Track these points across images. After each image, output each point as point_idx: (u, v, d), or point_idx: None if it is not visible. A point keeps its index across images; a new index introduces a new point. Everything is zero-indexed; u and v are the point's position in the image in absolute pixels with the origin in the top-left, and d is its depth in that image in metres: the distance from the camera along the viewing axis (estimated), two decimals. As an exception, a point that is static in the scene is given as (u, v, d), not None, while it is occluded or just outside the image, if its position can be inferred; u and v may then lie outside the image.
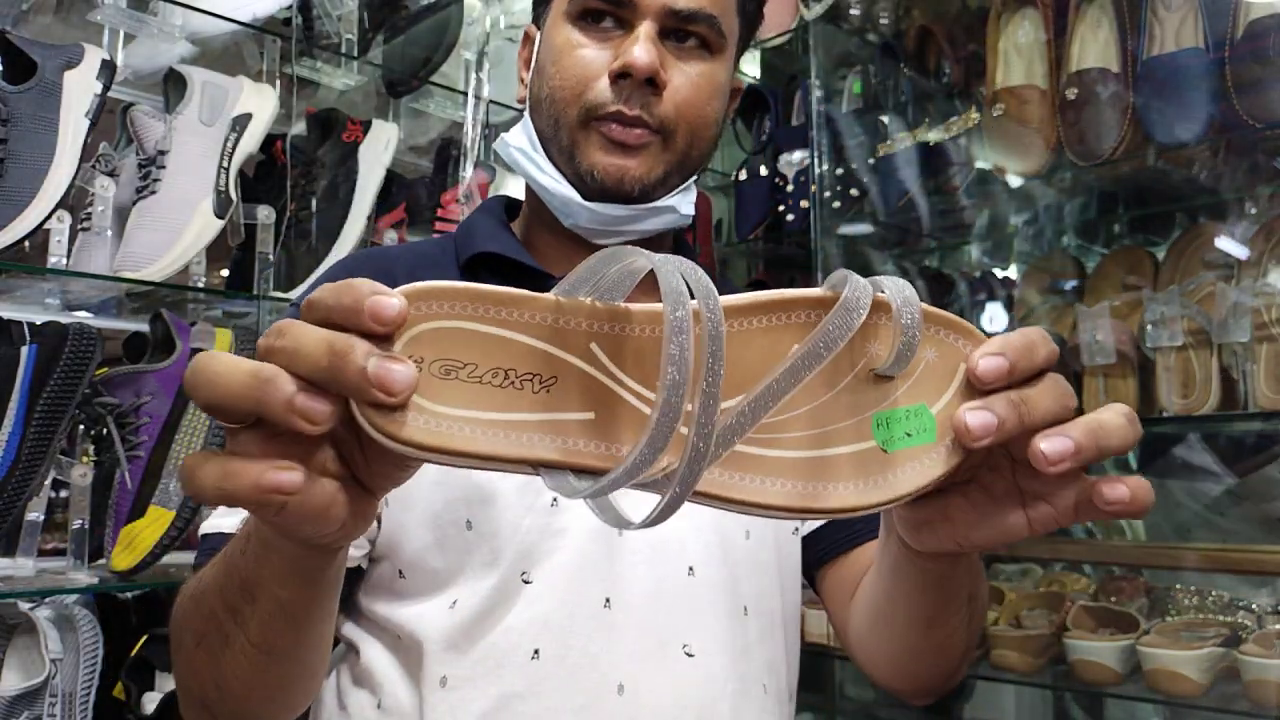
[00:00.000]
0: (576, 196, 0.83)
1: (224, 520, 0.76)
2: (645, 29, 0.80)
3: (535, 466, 0.41)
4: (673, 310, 0.38)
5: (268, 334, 0.41)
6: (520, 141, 0.87)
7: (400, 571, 0.78)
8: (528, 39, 0.92)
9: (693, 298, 0.39)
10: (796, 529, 0.90)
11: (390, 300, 0.38)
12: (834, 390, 0.45)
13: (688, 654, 0.78)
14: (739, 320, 0.44)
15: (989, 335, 0.48)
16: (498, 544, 0.76)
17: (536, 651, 0.75)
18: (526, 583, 0.76)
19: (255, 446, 0.40)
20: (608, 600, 0.77)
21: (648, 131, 0.81)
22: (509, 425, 0.40)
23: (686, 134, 0.83)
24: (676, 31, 0.82)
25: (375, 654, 0.78)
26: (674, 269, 0.39)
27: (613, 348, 0.43)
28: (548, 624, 0.75)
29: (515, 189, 1.70)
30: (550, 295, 0.43)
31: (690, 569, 0.80)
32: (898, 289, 0.45)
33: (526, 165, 0.86)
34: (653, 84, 0.80)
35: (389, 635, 0.78)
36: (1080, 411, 0.47)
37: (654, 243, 0.88)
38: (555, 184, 0.84)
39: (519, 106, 0.95)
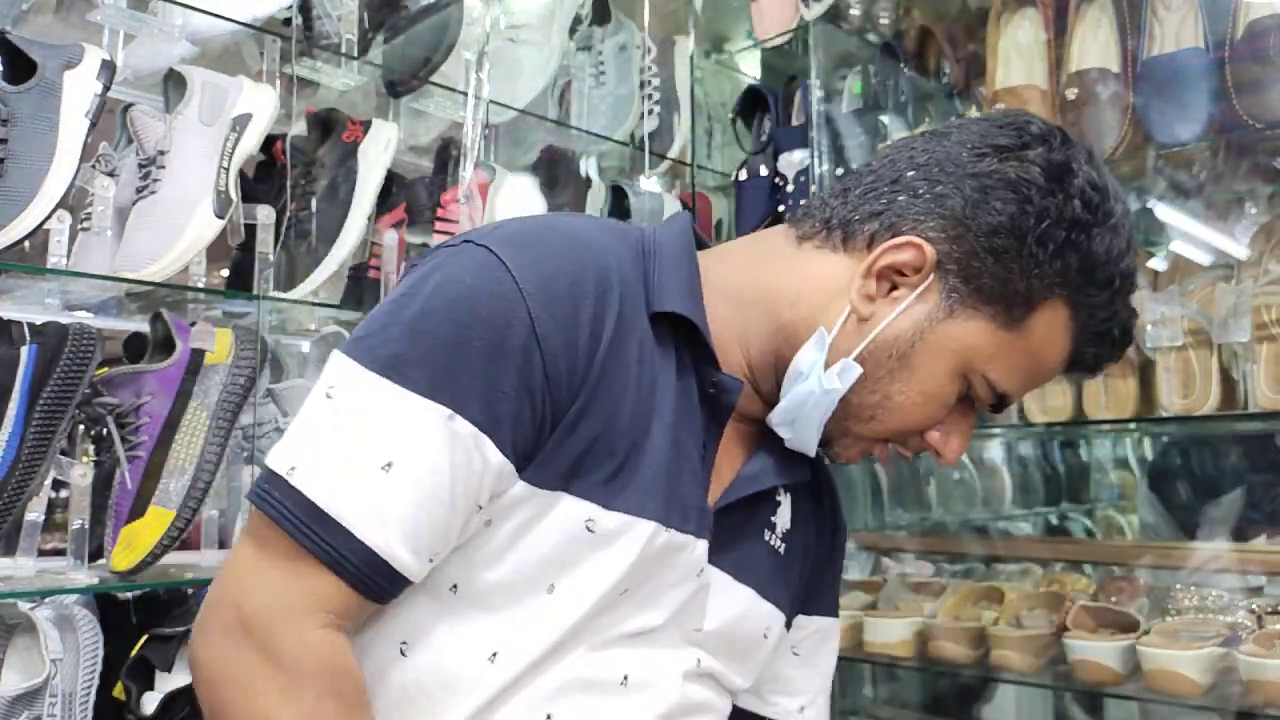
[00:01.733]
0: (814, 451, 0.85)
1: (374, 529, 0.68)
2: (974, 417, 0.84)
3: None
4: None
5: None
6: (837, 387, 0.80)
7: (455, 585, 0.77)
8: (914, 253, 0.79)
9: None
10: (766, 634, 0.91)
11: None
12: None
13: None
14: None
15: None
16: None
17: (549, 716, 0.76)
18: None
19: None
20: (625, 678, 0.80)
21: None
22: None
23: None
24: None
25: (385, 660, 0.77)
26: None
27: None
28: (561, 692, 0.77)
29: (515, 188, 1.70)
30: None
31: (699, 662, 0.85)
32: None
33: (820, 409, 0.81)
34: None
35: (406, 645, 0.77)
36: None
37: None
38: (815, 438, 0.84)
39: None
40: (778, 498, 0.90)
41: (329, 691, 0.68)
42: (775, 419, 0.84)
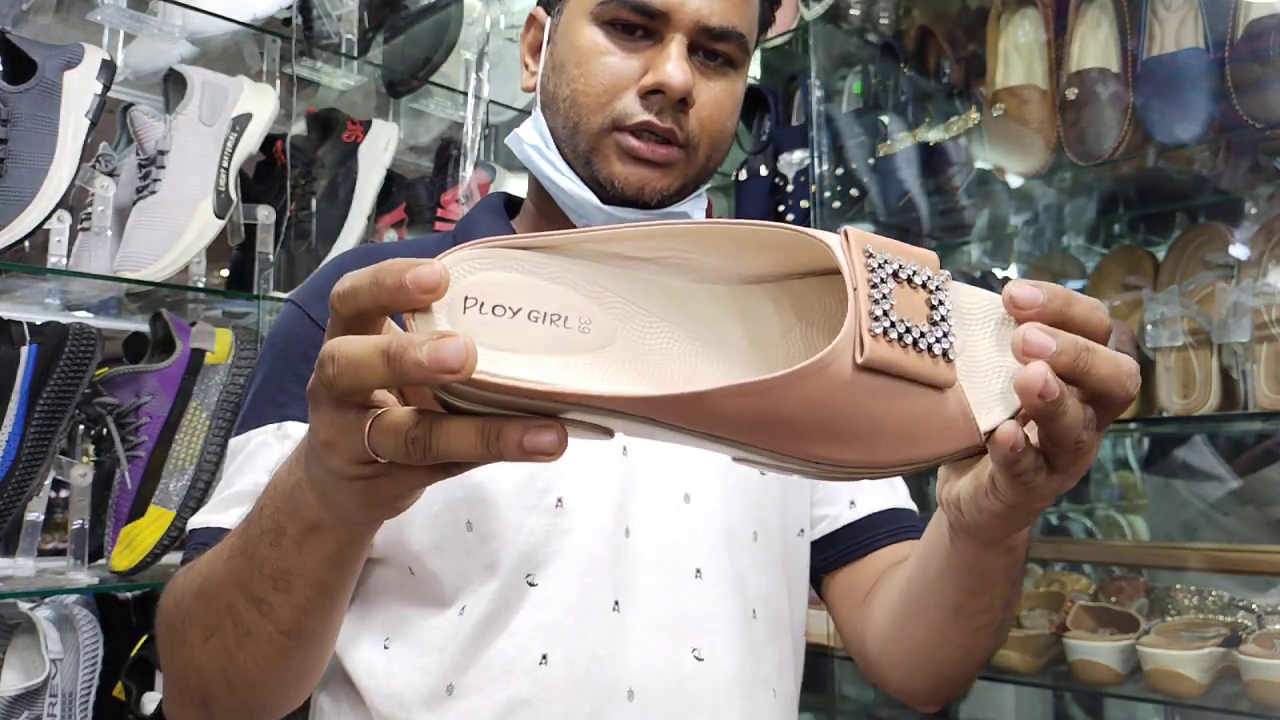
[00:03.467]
0: (594, 200, 0.82)
1: (217, 516, 0.77)
2: (677, 46, 0.79)
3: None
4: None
5: (321, 364, 0.42)
6: (533, 139, 0.85)
7: (411, 569, 0.77)
8: (534, 23, 0.89)
9: None
10: (803, 531, 0.90)
11: (431, 266, 0.39)
12: None
13: (697, 658, 0.77)
14: None
15: None
16: (497, 546, 0.76)
17: (544, 657, 0.74)
18: (531, 585, 0.75)
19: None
20: (616, 604, 0.76)
21: (675, 149, 0.81)
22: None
23: (708, 148, 0.84)
24: (704, 48, 0.82)
25: (370, 659, 0.78)
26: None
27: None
28: (555, 629, 0.75)
29: (515, 188, 1.70)
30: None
31: (698, 571, 0.79)
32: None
33: (541, 164, 0.84)
34: (682, 101, 0.80)
35: (389, 640, 0.78)
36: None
37: None
38: (573, 185, 0.83)
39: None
40: None
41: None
42: (573, 221, 0.85)
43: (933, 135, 1.66)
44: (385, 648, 0.77)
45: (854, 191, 1.71)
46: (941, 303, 0.44)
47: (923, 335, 0.43)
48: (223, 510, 0.77)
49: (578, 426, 0.41)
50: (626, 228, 0.44)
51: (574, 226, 0.84)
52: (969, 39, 1.71)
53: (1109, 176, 1.57)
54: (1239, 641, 1.28)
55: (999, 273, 1.85)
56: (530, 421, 0.40)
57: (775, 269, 0.47)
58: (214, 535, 0.74)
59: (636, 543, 0.78)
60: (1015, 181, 1.66)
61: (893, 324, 0.42)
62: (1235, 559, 1.48)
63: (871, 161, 1.71)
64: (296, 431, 0.77)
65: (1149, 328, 1.40)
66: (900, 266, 0.44)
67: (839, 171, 1.73)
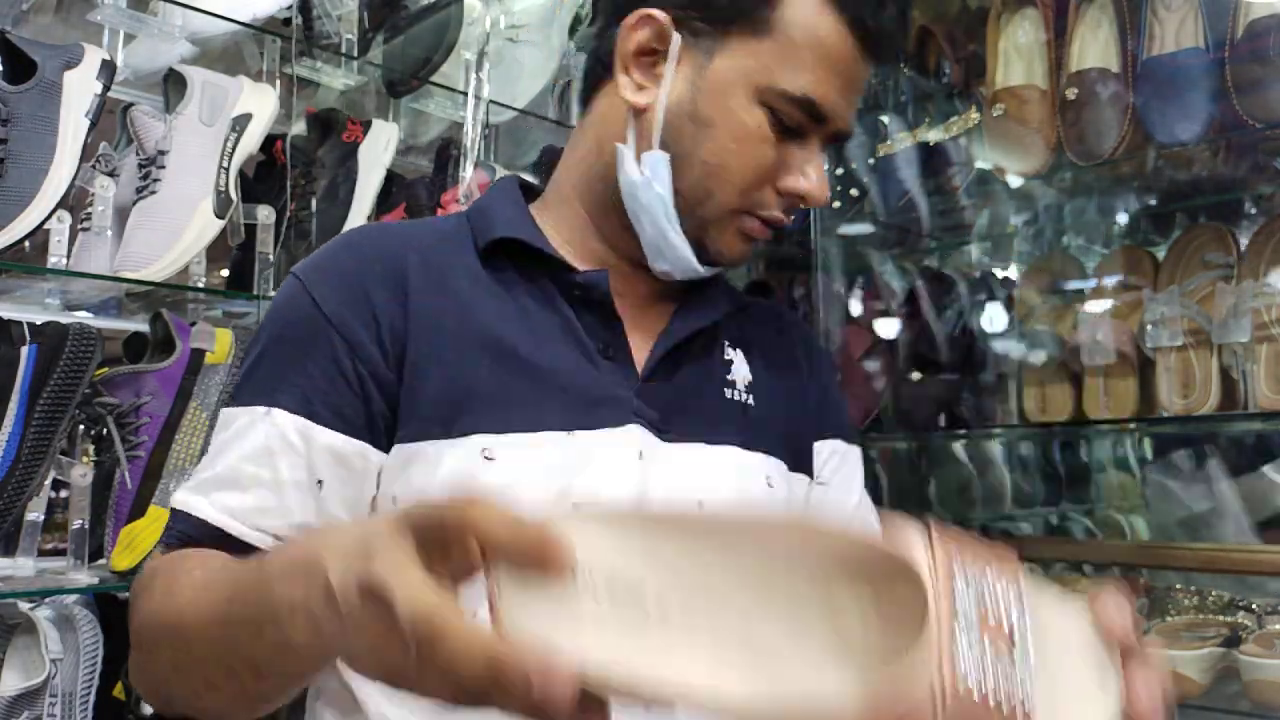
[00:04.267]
0: (693, 259, 0.83)
1: (197, 499, 0.76)
2: (818, 151, 0.82)
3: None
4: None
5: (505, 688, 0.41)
6: (662, 186, 0.81)
7: None
8: (651, 24, 0.81)
9: None
10: None
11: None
12: None
13: None
14: None
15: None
16: None
17: None
18: None
19: None
20: None
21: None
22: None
23: None
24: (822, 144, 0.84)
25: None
26: None
27: None
28: None
29: (515, 189, 1.70)
30: None
31: None
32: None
33: (659, 214, 0.82)
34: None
35: None
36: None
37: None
38: (679, 241, 0.83)
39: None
40: (726, 355, 0.90)
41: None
42: (651, 259, 0.85)
43: (933, 135, 1.66)
44: None
45: (854, 191, 1.71)
46: (1024, 636, 0.44)
47: (1004, 696, 0.42)
48: (205, 493, 0.76)
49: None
50: (731, 519, 0.46)
51: (630, 240, 0.85)
52: (969, 39, 1.71)
53: (1109, 176, 1.57)
54: (1239, 641, 1.28)
55: (999, 273, 1.85)
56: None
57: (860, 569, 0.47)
58: (194, 526, 0.75)
59: None
60: (1015, 181, 1.66)
61: (975, 681, 0.41)
62: (1234, 559, 1.48)
63: (871, 161, 1.71)
64: (282, 420, 0.76)
65: (1149, 328, 1.40)
66: (986, 596, 0.43)
67: (839, 171, 1.73)
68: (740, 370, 0.90)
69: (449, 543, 0.44)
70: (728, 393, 0.88)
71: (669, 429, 0.82)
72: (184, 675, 0.62)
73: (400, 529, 0.45)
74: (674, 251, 0.83)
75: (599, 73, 0.87)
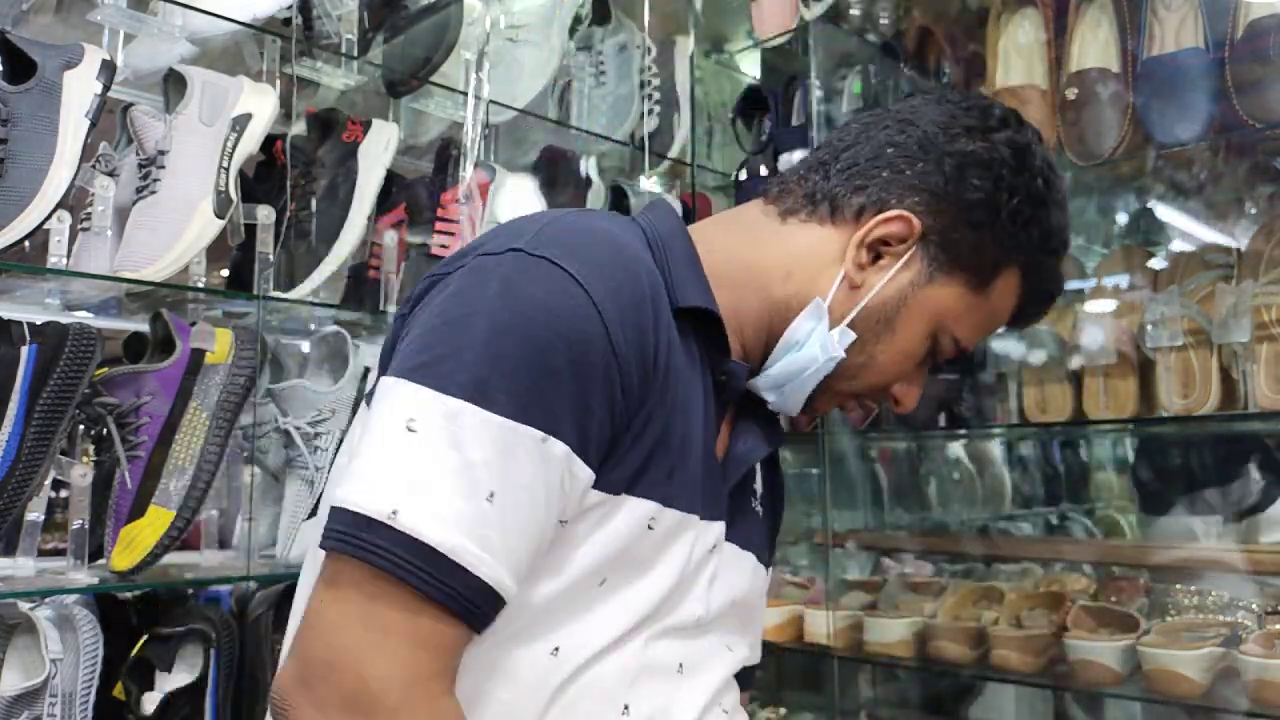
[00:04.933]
0: (798, 411, 0.91)
1: (469, 547, 0.65)
2: (926, 370, 0.92)
3: None
4: None
5: None
6: (837, 359, 0.86)
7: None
8: (903, 226, 0.85)
9: None
10: None
11: None
12: None
13: (723, 710, 0.86)
14: None
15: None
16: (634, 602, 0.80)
17: (626, 707, 0.77)
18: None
19: None
20: (680, 666, 0.83)
21: None
22: None
23: None
24: None
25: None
26: None
27: None
28: (637, 681, 0.79)
29: (515, 188, 1.70)
30: None
31: (729, 647, 0.89)
32: None
33: (812, 372, 0.87)
34: None
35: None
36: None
37: None
38: (802, 398, 0.89)
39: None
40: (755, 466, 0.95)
41: None
42: (764, 385, 0.89)
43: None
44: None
45: (854, 191, 1.71)
46: None
47: None
48: (479, 539, 0.65)
49: None
50: None
51: (760, 356, 0.89)
52: (969, 39, 1.71)
53: (1109, 176, 1.57)
54: (1239, 641, 1.28)
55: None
56: None
57: None
58: (471, 590, 0.65)
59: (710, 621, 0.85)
60: (1015, 181, 1.66)
61: None
62: (1234, 558, 1.48)
63: (871, 161, 1.71)
64: (558, 455, 0.69)
65: (1149, 328, 1.40)
66: None
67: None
68: (758, 483, 0.96)
69: None
70: (753, 503, 0.94)
71: (730, 529, 0.87)
72: None
73: None
74: (790, 401, 0.90)
75: (822, 197, 0.88)
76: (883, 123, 0.89)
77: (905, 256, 0.85)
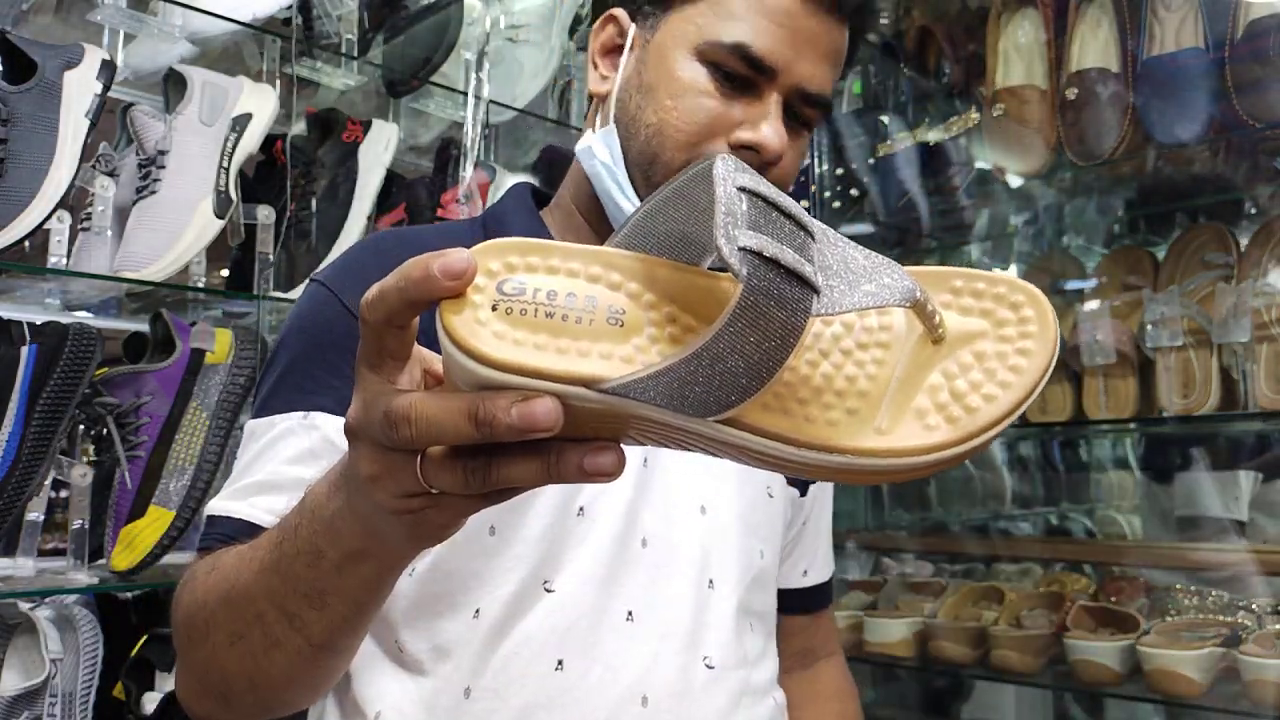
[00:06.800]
0: None
1: (236, 505, 0.75)
2: (775, 105, 0.79)
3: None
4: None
5: (394, 423, 0.41)
6: (604, 155, 0.83)
7: (412, 570, 0.77)
8: (612, 23, 0.86)
9: None
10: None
11: (459, 253, 0.40)
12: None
13: (708, 666, 0.79)
14: None
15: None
16: (520, 550, 0.76)
17: (560, 662, 0.75)
18: (549, 591, 0.76)
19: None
20: (630, 614, 0.77)
21: None
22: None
23: None
24: (794, 110, 0.82)
25: (377, 669, 0.77)
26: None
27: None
28: (570, 634, 0.75)
29: (515, 189, 1.70)
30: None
31: (710, 581, 0.81)
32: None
33: (607, 183, 0.83)
34: (767, 161, 0.80)
35: (399, 648, 0.77)
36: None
37: None
38: (631, 210, 0.84)
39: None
40: None
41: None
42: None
43: (933, 135, 1.66)
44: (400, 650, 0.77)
45: (854, 191, 1.71)
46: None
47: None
48: (242, 498, 0.75)
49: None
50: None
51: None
52: (969, 39, 1.71)
53: (1109, 176, 1.58)
54: (1239, 641, 1.28)
55: (999, 272, 1.85)
56: (590, 444, 0.40)
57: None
58: (234, 527, 0.74)
59: (652, 552, 0.79)
60: (1015, 181, 1.66)
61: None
62: (1234, 559, 1.48)
63: (871, 161, 1.72)
64: (324, 422, 0.75)
65: (1149, 328, 1.40)
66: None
67: (839, 171, 1.73)
68: None
69: (386, 347, 0.43)
70: None
71: None
72: (243, 644, 0.61)
73: (358, 369, 0.44)
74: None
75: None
76: None
77: (629, 39, 0.84)
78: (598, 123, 0.86)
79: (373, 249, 0.85)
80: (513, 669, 0.74)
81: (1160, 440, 1.83)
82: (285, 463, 0.75)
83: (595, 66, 0.87)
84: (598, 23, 0.87)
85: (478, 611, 0.75)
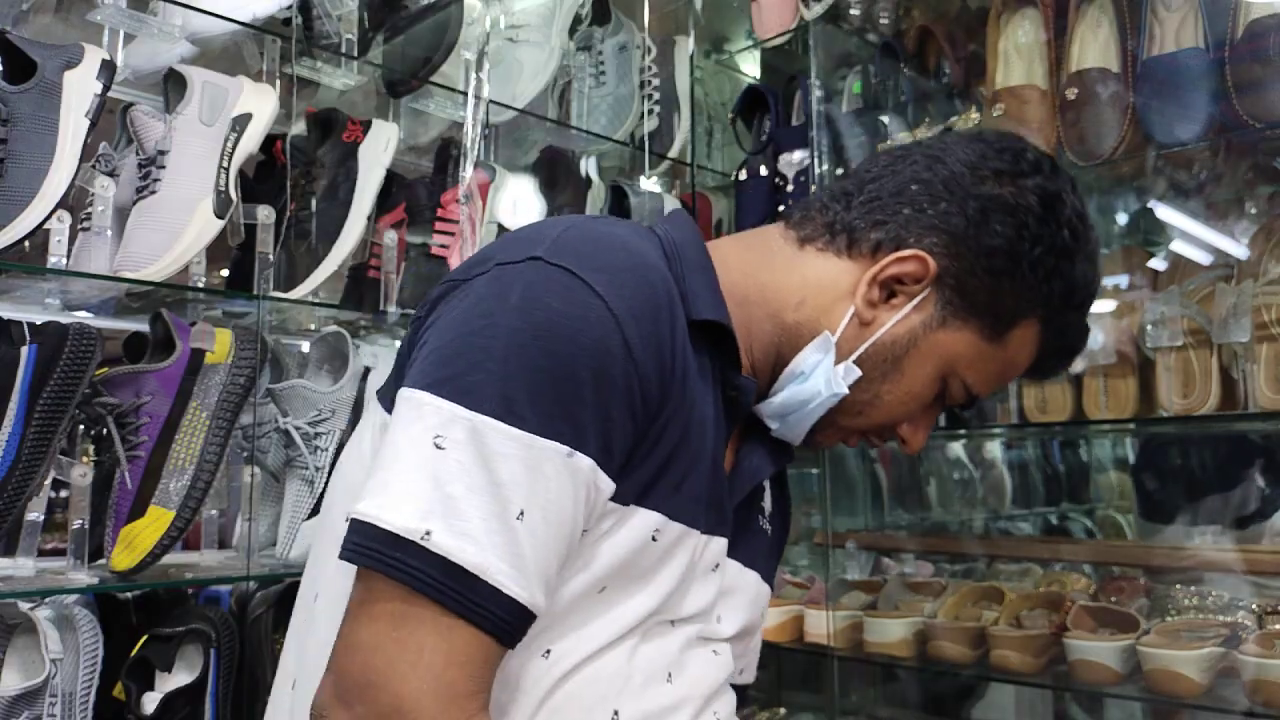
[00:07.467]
0: (800, 440, 0.90)
1: (509, 573, 0.65)
2: (937, 414, 0.92)
3: None
4: None
5: None
6: (838, 387, 0.85)
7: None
8: (919, 262, 0.83)
9: None
10: None
11: None
12: None
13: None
14: None
15: None
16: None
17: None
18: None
19: None
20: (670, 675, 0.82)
21: None
22: None
23: None
24: None
25: None
26: None
27: None
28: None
29: (515, 188, 1.70)
30: None
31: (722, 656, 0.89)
32: None
33: (816, 405, 0.86)
34: None
35: None
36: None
37: None
38: (805, 430, 0.88)
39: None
40: (764, 482, 0.94)
41: None
42: (768, 412, 0.88)
43: (933, 135, 1.66)
44: None
45: (854, 191, 1.71)
46: None
47: None
48: (517, 564, 0.66)
49: None
50: None
51: (767, 380, 0.88)
52: (969, 39, 1.71)
53: (1109, 176, 1.57)
54: (1239, 641, 1.28)
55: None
56: None
57: None
58: (505, 609, 0.65)
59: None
60: (1015, 181, 1.66)
61: None
62: (1234, 559, 1.48)
63: (871, 161, 1.71)
64: (584, 469, 0.69)
65: (1149, 328, 1.40)
66: None
67: (839, 171, 1.73)
68: (767, 500, 0.96)
69: None
70: (760, 519, 0.94)
71: (733, 546, 0.87)
72: None
73: None
74: (793, 431, 0.89)
75: (841, 229, 0.87)
76: (911, 157, 0.87)
77: (918, 298, 0.83)
78: (840, 334, 0.84)
79: (648, 280, 0.74)
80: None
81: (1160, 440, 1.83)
82: (558, 511, 0.67)
83: (871, 283, 0.84)
84: (905, 253, 0.83)
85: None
